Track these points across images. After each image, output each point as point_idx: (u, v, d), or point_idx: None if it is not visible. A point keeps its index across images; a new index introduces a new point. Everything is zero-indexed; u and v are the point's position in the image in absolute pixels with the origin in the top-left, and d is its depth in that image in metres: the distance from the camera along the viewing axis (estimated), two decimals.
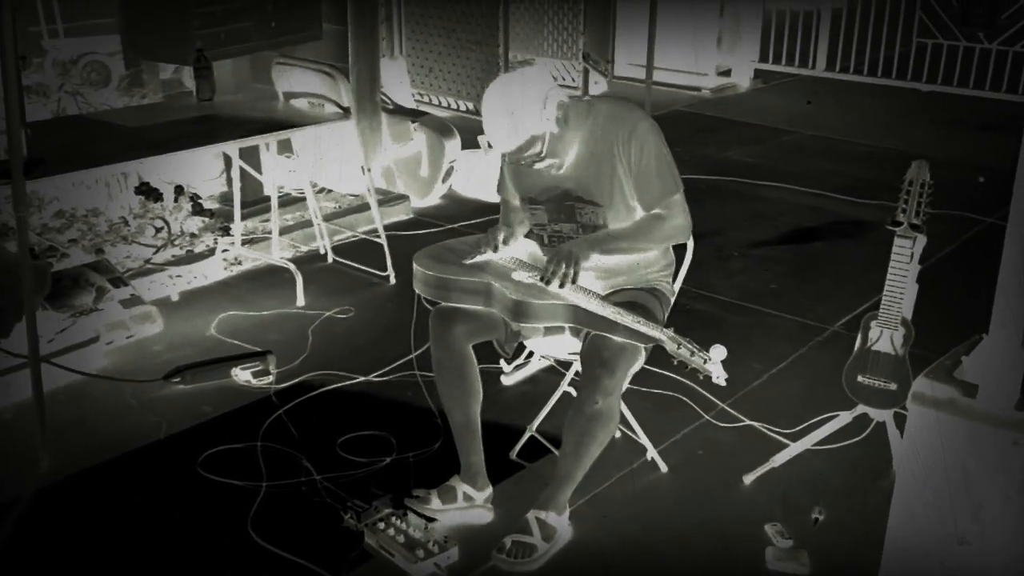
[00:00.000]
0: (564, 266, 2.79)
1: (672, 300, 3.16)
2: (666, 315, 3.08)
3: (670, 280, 3.16)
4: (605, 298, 2.83)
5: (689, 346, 2.65)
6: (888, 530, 2.52)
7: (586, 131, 2.95)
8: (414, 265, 3.02)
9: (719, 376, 2.64)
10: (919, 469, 2.42)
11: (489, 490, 3.16)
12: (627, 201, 2.96)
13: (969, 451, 2.33)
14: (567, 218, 3.03)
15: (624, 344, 2.79)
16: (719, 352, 2.63)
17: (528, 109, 2.79)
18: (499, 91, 2.85)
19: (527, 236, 3.17)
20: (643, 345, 2.83)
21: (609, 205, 2.96)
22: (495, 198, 5.92)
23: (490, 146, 6.26)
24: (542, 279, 2.80)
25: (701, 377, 2.66)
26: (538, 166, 2.92)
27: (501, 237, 3.01)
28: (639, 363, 2.94)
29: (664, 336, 2.68)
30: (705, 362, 2.63)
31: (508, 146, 2.84)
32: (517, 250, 3.10)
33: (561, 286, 2.78)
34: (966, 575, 2.39)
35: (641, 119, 2.94)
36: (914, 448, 2.43)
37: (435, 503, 3.08)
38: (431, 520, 3.02)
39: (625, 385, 2.99)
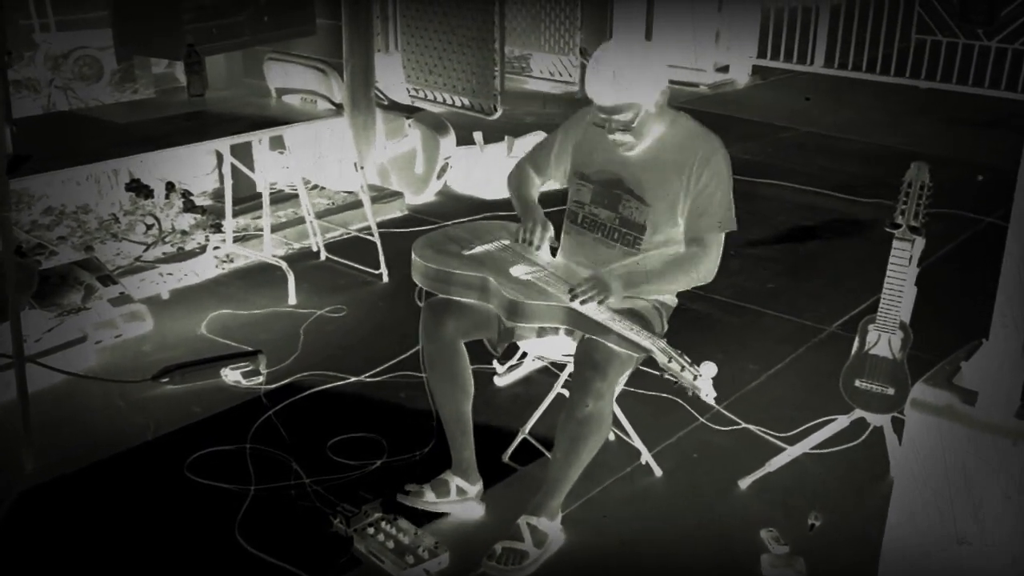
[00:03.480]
0: (596, 293, 2.75)
1: (672, 308, 3.12)
2: (666, 326, 3.05)
3: (675, 294, 3.13)
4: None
5: (680, 360, 2.60)
6: (886, 532, 2.48)
7: (665, 134, 2.96)
8: (413, 255, 2.99)
9: (708, 394, 2.59)
10: (919, 477, 2.39)
11: (480, 484, 3.13)
12: (674, 213, 2.95)
13: (969, 458, 2.29)
14: (609, 206, 3.01)
15: (618, 349, 2.75)
16: (709, 369, 2.58)
17: (647, 77, 2.82)
18: (626, 48, 2.86)
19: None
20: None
21: (656, 208, 2.94)
22: (490, 195, 5.95)
23: (485, 142, 6.23)
24: (572, 294, 2.75)
25: (690, 394, 2.61)
26: (616, 136, 2.90)
27: (538, 237, 3.00)
28: (631, 368, 2.90)
29: (655, 348, 2.63)
30: (695, 378, 2.58)
31: (610, 100, 2.83)
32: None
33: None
34: (966, 575, 2.36)
35: (722, 148, 2.97)
36: (913, 455, 2.40)
37: (429, 497, 3.05)
38: (422, 516, 2.98)
39: (618, 389, 2.95)
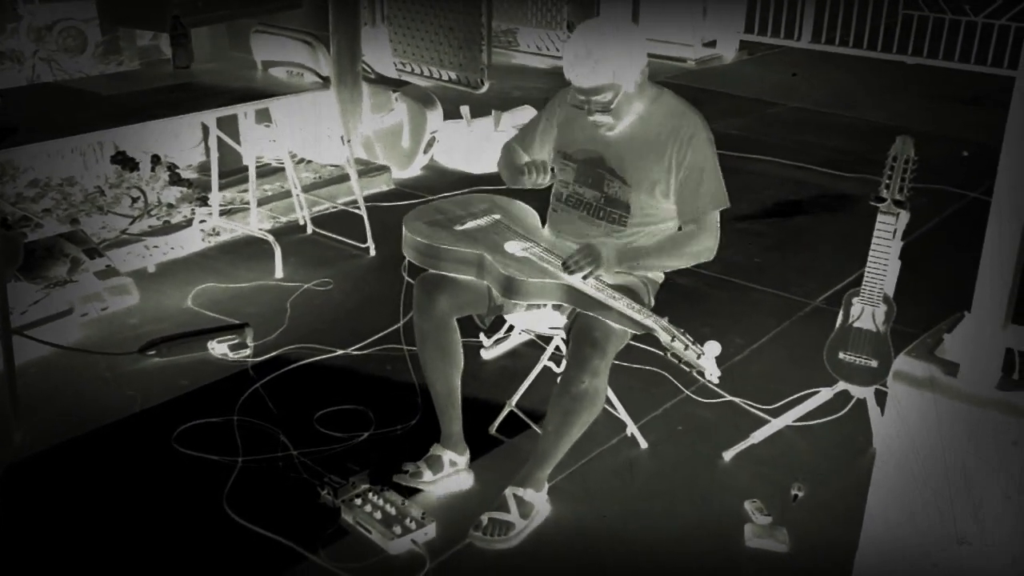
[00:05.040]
0: (589, 263, 2.76)
1: (659, 283, 3.13)
2: (652, 300, 3.05)
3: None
4: (598, 279, 2.80)
5: (683, 339, 2.60)
6: (867, 512, 2.50)
7: (647, 112, 2.94)
8: (404, 230, 2.98)
9: (712, 373, 2.59)
10: (901, 448, 2.40)
11: (468, 453, 3.16)
12: (655, 193, 2.94)
13: (951, 430, 2.31)
14: (593, 184, 3.00)
15: (616, 325, 2.76)
16: (713, 348, 2.58)
17: (626, 57, 2.78)
18: (602, 29, 2.81)
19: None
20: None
21: (637, 188, 2.94)
22: (477, 169, 5.94)
23: (472, 117, 6.21)
24: (564, 266, 2.76)
25: (694, 372, 2.62)
26: (597, 117, 2.88)
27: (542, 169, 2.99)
28: (625, 343, 2.91)
29: (658, 327, 2.63)
30: (698, 357, 2.58)
31: (587, 82, 2.80)
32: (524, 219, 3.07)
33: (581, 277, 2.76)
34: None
35: (704, 125, 2.95)
36: (896, 426, 2.41)
37: (427, 476, 3.06)
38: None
39: None
